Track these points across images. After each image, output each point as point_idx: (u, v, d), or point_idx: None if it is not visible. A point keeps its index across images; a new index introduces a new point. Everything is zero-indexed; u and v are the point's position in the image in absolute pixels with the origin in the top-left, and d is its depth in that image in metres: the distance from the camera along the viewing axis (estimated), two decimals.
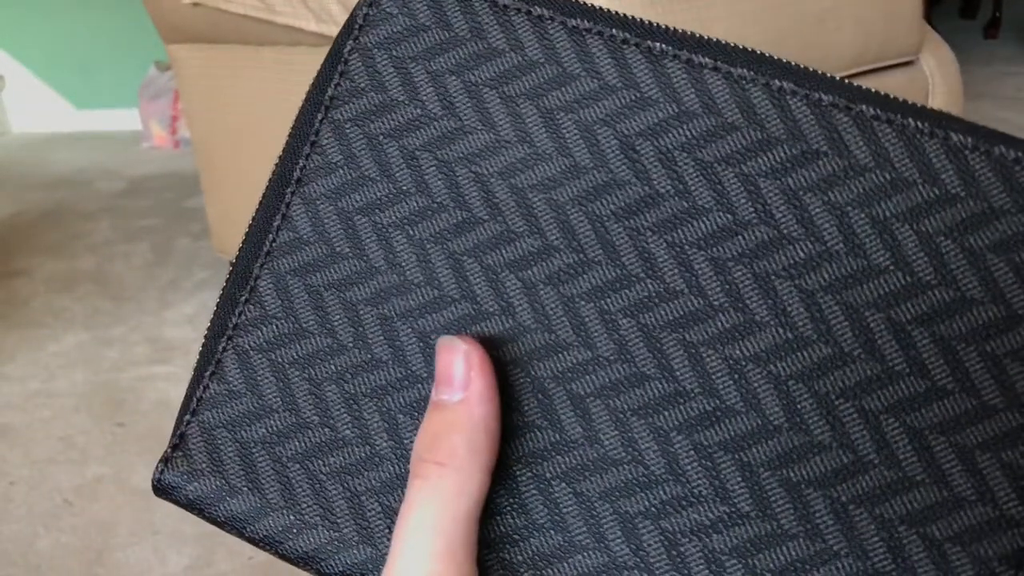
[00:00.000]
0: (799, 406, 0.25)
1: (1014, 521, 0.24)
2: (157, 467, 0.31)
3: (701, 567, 0.25)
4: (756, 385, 0.25)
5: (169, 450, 0.30)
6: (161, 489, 0.30)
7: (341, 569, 0.28)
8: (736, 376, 0.25)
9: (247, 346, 0.30)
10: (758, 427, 0.25)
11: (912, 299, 0.24)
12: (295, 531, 0.29)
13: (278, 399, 0.30)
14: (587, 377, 0.27)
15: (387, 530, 0.28)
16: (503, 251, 0.28)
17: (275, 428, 0.30)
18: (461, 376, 0.26)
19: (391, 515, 0.28)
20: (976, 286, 0.24)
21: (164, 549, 1.05)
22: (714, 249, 0.26)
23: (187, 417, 0.31)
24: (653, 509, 0.26)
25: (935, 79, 1.46)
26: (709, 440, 0.26)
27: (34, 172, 2.79)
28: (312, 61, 1.26)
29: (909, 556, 0.24)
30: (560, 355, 0.27)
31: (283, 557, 0.29)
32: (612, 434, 0.26)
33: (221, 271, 1.79)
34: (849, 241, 0.25)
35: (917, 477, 0.24)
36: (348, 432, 0.29)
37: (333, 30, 1.17)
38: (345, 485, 0.29)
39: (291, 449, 0.29)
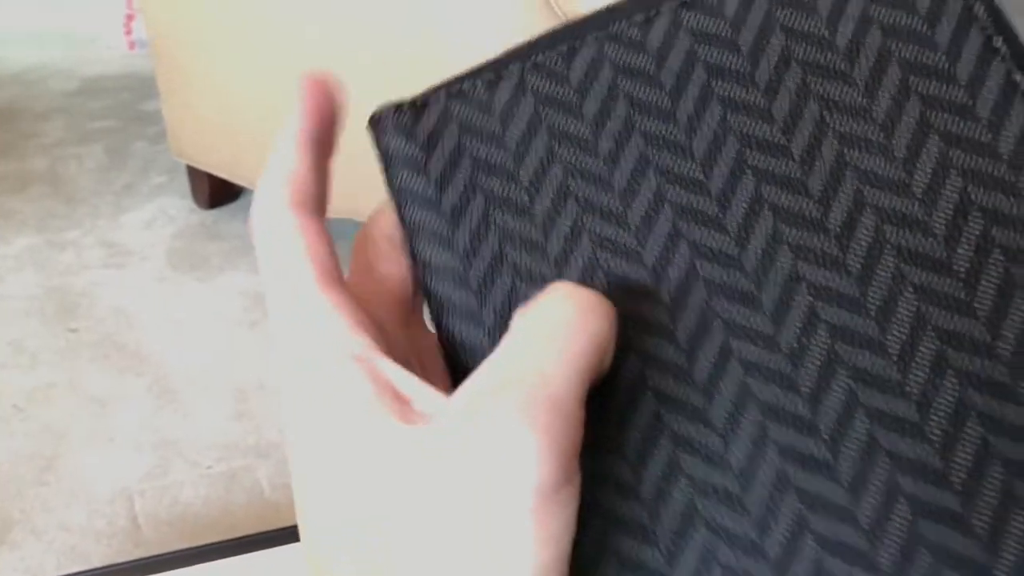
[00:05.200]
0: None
1: None
2: (388, 106, 0.30)
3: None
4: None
5: (408, 102, 0.29)
6: (375, 122, 0.29)
7: (455, 335, 0.27)
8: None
9: (530, 85, 0.29)
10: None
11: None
12: (442, 268, 0.27)
13: (513, 143, 0.28)
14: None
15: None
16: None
17: (489, 160, 0.28)
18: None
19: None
20: None
21: (119, 457, 1.02)
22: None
23: (441, 91, 0.29)
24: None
25: None
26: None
27: None
28: None
29: None
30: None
31: (415, 264, 0.28)
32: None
33: (179, 176, 1.73)
34: None
35: None
36: (540, 216, 0.27)
37: None
38: (508, 262, 0.27)
39: (486, 186, 0.28)
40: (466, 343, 0.27)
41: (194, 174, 1.63)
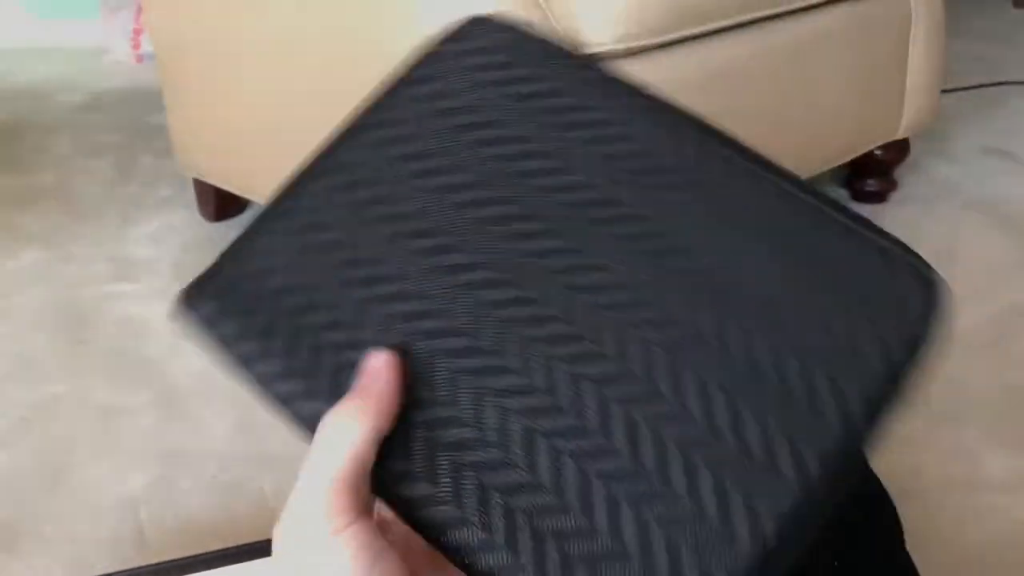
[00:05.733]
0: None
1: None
2: (182, 291, 0.39)
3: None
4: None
5: (195, 280, 0.39)
6: (180, 305, 0.39)
7: (305, 415, 0.36)
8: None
9: (278, 228, 0.39)
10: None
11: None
12: (273, 374, 0.37)
13: (288, 271, 0.38)
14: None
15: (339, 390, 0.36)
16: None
17: (275, 287, 0.38)
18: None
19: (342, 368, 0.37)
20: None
21: (125, 468, 1.03)
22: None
23: (221, 258, 0.39)
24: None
25: (918, 10, 1.43)
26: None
27: None
28: None
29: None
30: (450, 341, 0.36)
31: (257, 388, 0.37)
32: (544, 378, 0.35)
33: (185, 189, 1.75)
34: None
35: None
36: (342, 314, 0.37)
37: None
38: (328, 353, 0.37)
39: (283, 304, 0.38)
40: (312, 416, 0.36)
41: (200, 187, 1.65)
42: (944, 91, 1.60)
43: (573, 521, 0.31)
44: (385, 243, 0.38)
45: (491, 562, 0.32)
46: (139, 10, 2.83)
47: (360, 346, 0.36)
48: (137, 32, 2.87)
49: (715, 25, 1.17)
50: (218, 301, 0.38)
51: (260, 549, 0.83)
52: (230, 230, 1.61)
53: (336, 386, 0.36)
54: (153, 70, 2.68)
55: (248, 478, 1.00)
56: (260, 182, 1.44)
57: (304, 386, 0.36)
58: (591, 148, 0.37)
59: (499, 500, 0.32)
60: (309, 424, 0.36)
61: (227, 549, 0.83)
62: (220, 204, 1.64)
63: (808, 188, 0.35)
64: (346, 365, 0.36)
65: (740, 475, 0.30)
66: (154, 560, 0.86)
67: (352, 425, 0.35)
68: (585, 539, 0.31)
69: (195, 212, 1.69)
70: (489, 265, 0.36)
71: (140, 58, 2.87)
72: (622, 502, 0.31)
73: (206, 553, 0.83)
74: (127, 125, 2.25)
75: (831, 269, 0.33)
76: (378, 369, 0.36)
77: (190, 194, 1.70)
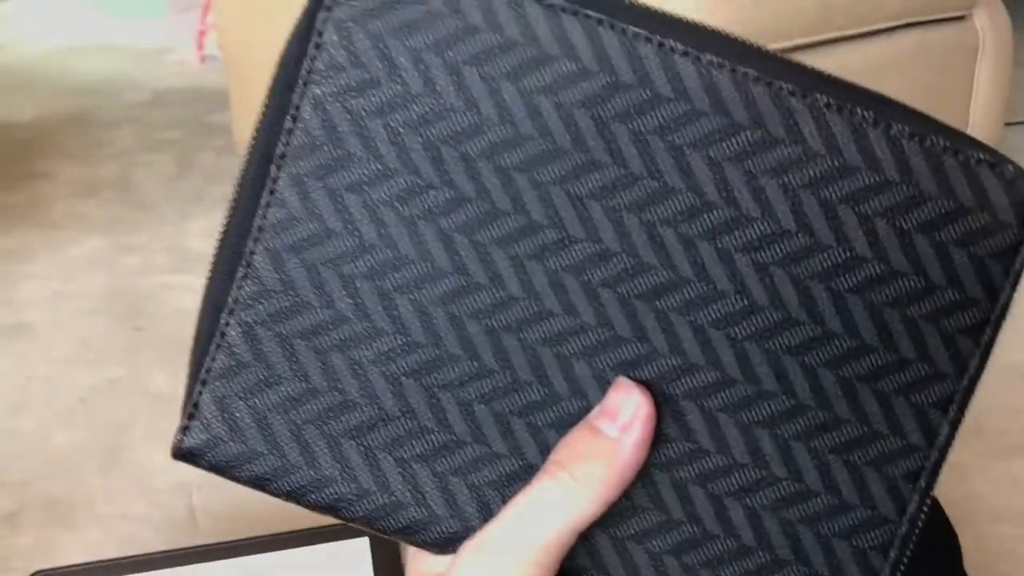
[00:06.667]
0: (753, 360, 0.30)
1: (916, 447, 0.30)
2: (176, 435, 0.32)
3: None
4: (715, 342, 0.30)
5: (186, 419, 0.33)
6: (183, 455, 0.33)
7: (363, 515, 0.32)
8: (701, 338, 0.30)
9: (250, 320, 0.32)
10: (719, 380, 0.30)
11: (849, 271, 0.29)
12: (317, 486, 0.32)
13: (286, 368, 0.32)
14: (573, 339, 0.30)
15: (403, 481, 0.31)
16: (491, 228, 0.30)
17: (287, 394, 0.32)
18: (626, 419, 0.29)
19: (404, 466, 0.31)
20: (902, 260, 0.29)
21: None
22: (682, 226, 0.30)
23: (198, 387, 0.33)
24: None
25: (986, 39, 1.42)
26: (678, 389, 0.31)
27: (58, 79, 2.76)
28: None
29: (835, 477, 0.30)
30: (547, 322, 0.30)
31: (307, 507, 0.32)
32: (592, 385, 0.30)
33: None
34: (799, 220, 0.29)
35: (844, 416, 0.30)
36: (356, 395, 0.31)
37: None
38: (360, 442, 0.32)
39: (305, 413, 0.32)
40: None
41: None
42: (1008, 124, 1.58)
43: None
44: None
45: None
46: (205, 11, 2.89)
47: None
48: (202, 33, 2.92)
49: (778, 47, 1.17)
50: (219, 430, 0.33)
51: (310, 536, 0.84)
52: None
53: (379, 476, 0.32)
54: (215, 71, 2.73)
55: None
56: None
57: (346, 488, 0.32)
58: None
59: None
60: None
61: (277, 535, 0.84)
62: None
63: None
64: (376, 448, 0.32)
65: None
66: (205, 542, 0.87)
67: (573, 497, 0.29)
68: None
69: None
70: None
71: (204, 59, 2.93)
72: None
73: (257, 537, 0.84)
74: (188, 123, 2.29)
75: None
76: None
77: None
